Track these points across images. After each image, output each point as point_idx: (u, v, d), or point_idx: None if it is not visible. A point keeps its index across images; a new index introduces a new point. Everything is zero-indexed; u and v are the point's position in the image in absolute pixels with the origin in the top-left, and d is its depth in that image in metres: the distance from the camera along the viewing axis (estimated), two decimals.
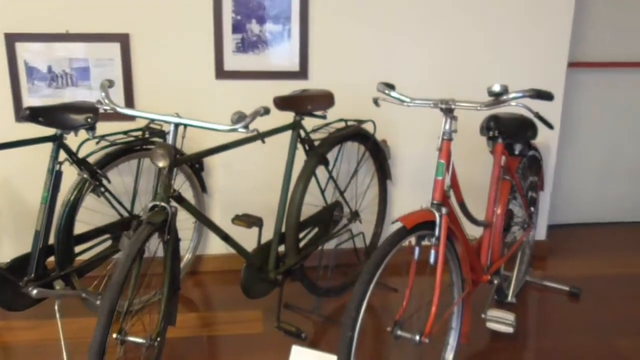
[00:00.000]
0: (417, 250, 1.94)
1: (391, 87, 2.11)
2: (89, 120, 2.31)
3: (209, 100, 2.92)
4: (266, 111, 1.91)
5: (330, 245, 2.81)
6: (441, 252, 1.93)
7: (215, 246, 3.14)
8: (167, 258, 1.95)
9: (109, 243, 2.65)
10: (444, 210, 1.95)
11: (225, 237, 2.21)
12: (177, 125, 1.90)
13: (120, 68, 2.83)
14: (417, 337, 1.91)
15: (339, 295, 2.84)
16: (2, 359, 2.36)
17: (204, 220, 2.12)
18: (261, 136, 2.03)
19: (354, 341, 1.74)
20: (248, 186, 3.07)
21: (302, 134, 2.48)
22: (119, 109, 1.95)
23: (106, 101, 1.96)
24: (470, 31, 3.00)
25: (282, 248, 2.49)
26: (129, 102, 2.88)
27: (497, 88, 1.88)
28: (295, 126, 2.43)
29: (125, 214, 2.67)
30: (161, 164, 1.81)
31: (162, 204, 1.87)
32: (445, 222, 1.94)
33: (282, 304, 2.60)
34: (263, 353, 2.39)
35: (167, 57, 2.85)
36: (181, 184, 2.82)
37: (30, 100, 2.83)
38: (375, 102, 2.13)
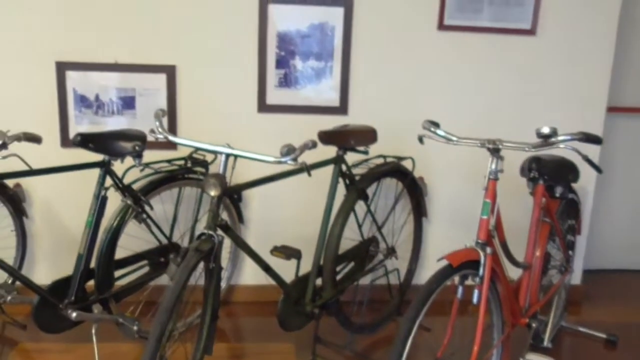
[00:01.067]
0: (460, 289, 1.93)
1: (436, 125, 2.13)
2: (137, 148, 2.36)
3: (250, 132, 2.97)
4: (314, 145, 1.94)
5: (364, 280, 2.80)
6: (485, 291, 1.92)
7: (248, 277, 3.14)
8: (210, 286, 1.96)
9: (146, 269, 2.68)
10: (488, 249, 1.94)
11: (267, 268, 2.22)
12: (228, 155, 1.93)
13: (165, 98, 2.91)
14: None
15: (372, 331, 2.82)
16: None
17: (247, 251, 2.14)
18: (308, 169, 2.05)
19: None
20: (283, 218, 3.09)
21: (344, 168, 2.50)
22: (171, 138, 1.99)
23: (160, 130, 2.01)
24: (509, 74, 3.03)
25: (318, 281, 2.49)
26: (172, 131, 2.94)
27: (546, 130, 1.89)
28: (338, 160, 2.46)
29: (164, 241, 2.70)
30: (213, 192, 1.84)
31: (210, 232, 1.89)
32: (489, 261, 1.93)
33: (315, 338, 2.58)
34: None
35: (211, 89, 2.92)
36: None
37: (77, 127, 2.90)
38: (420, 139, 2.15)
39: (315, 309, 2.43)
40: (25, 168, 2.23)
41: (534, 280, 2.47)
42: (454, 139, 2.06)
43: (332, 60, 2.92)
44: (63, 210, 2.99)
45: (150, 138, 2.34)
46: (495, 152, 1.98)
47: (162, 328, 1.62)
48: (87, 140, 2.28)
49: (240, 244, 2.12)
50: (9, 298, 2.32)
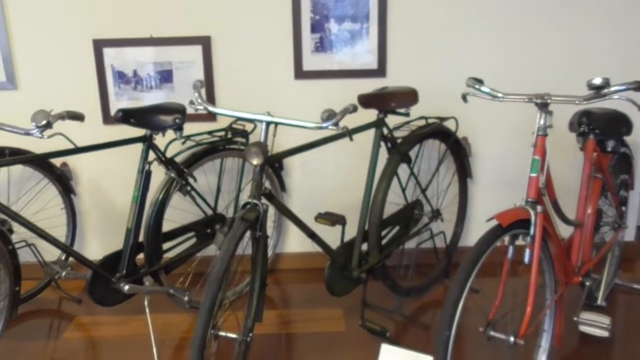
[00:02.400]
0: (511, 249, 1.89)
1: (480, 82, 2.06)
2: (177, 120, 2.37)
3: (287, 99, 2.95)
4: (355, 108, 1.90)
5: (409, 244, 2.77)
6: (536, 251, 1.87)
7: (293, 245, 3.16)
8: (258, 254, 1.97)
9: (193, 241, 2.72)
10: (539, 208, 1.89)
11: (312, 235, 2.22)
12: (268, 123, 1.92)
13: (202, 70, 2.90)
14: (512, 338, 1.86)
15: (420, 295, 2.81)
16: (93, 353, 2.44)
17: (292, 218, 2.13)
18: (349, 133, 2.02)
19: (451, 340, 1.71)
20: (324, 185, 3.08)
21: (385, 131, 2.46)
22: (211, 108, 1.98)
23: (199, 101, 2.00)
24: (554, 23, 2.90)
25: (364, 246, 2.47)
26: (210, 102, 2.94)
27: (597, 81, 1.80)
28: (379, 124, 2.42)
29: (209, 212, 2.72)
30: (255, 161, 1.83)
31: (254, 201, 1.89)
32: (540, 220, 1.88)
33: (363, 302, 2.58)
34: (347, 351, 2.39)
35: (247, 58, 2.90)
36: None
37: (117, 103, 2.93)
38: (464, 97, 2.09)
39: (362, 273, 2.43)
40: (70, 147, 2.26)
41: (586, 238, 2.40)
42: (500, 95, 1.99)
43: (368, 22, 2.85)
44: (109, 186, 3.04)
45: (189, 110, 2.34)
46: (543, 106, 1.91)
47: (213, 297, 1.64)
48: (128, 116, 2.30)
49: (285, 212, 2.11)
50: (63, 274, 2.39)
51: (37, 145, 2.78)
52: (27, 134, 1.96)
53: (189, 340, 2.52)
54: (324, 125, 1.86)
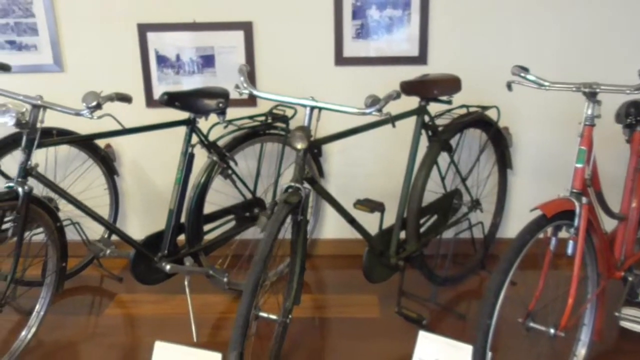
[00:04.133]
0: (553, 240, 1.87)
1: (526, 70, 2.03)
2: (221, 105, 2.39)
3: (328, 85, 2.95)
4: (398, 95, 1.90)
5: (446, 234, 2.76)
6: (580, 243, 1.84)
7: (329, 231, 3.18)
8: (299, 238, 1.99)
9: (232, 224, 2.75)
10: (584, 199, 1.86)
11: (352, 221, 2.23)
12: (312, 108, 1.93)
13: (244, 55, 2.92)
14: (552, 330, 1.85)
15: (456, 284, 2.80)
16: (134, 330, 2.51)
17: (332, 203, 2.15)
18: (392, 120, 2.02)
19: (491, 329, 1.71)
20: (362, 171, 3.08)
21: (427, 119, 2.45)
22: (256, 93, 2.00)
23: (245, 85, 2.02)
24: (601, 9, 2.83)
25: (402, 234, 2.48)
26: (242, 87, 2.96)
27: None
28: (421, 111, 2.41)
29: (248, 196, 2.75)
30: (299, 145, 1.85)
31: (297, 185, 1.91)
32: (585, 212, 1.85)
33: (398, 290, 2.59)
34: (383, 337, 2.40)
35: (287, 44, 2.91)
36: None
37: (160, 87, 2.97)
38: (509, 86, 2.06)
39: (399, 261, 2.43)
40: (114, 129, 2.31)
41: (630, 233, 2.35)
42: (546, 84, 1.96)
43: (409, 8, 2.83)
44: (150, 168, 3.10)
45: (234, 94, 2.36)
46: (591, 96, 1.87)
47: (257, 279, 1.67)
48: (173, 99, 2.33)
49: (326, 196, 2.13)
50: (107, 252, 2.45)
51: (79, 126, 2.84)
52: (78, 114, 2.01)
53: (227, 320, 2.57)
54: (367, 111, 1.87)
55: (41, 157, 2.89)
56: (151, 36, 2.92)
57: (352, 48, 2.90)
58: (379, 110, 1.86)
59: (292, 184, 1.91)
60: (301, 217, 1.94)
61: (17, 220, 2.09)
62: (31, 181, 2.11)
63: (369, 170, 3.08)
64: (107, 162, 2.91)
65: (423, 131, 2.46)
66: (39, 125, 2.09)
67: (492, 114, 2.71)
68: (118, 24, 2.90)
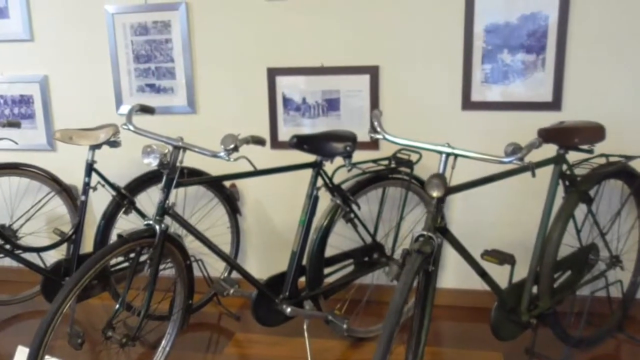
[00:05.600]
0: None
1: None
2: (348, 148, 2.39)
3: (454, 131, 2.88)
4: (540, 143, 1.80)
5: (581, 291, 2.56)
6: None
7: (449, 280, 3.05)
8: (429, 288, 1.90)
9: (351, 268, 2.72)
10: None
11: (483, 274, 2.12)
12: (448, 155, 1.87)
13: (368, 98, 2.93)
14: None
15: (591, 347, 2.57)
16: None
17: (464, 254, 2.05)
18: (533, 169, 1.91)
19: None
20: (487, 220, 2.95)
21: (564, 168, 2.30)
22: (389, 137, 1.98)
23: (379, 129, 2.01)
24: None
25: (534, 289, 2.32)
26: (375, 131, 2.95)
27: None
28: (559, 160, 2.27)
29: (368, 240, 2.71)
30: (435, 193, 1.79)
31: (430, 234, 1.84)
32: None
33: (526, 349, 2.42)
34: None
35: (413, 88, 2.88)
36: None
37: (285, 129, 3.04)
38: None
39: (531, 318, 2.27)
40: (240, 169, 2.37)
41: None
42: None
43: (544, 52, 2.72)
44: (272, 208, 3.15)
45: (365, 138, 2.36)
46: None
47: (392, 330, 1.61)
48: (302, 142, 2.37)
49: (458, 247, 2.04)
50: (231, 291, 2.48)
51: (205, 164, 2.94)
52: (215, 156, 2.08)
53: None
54: (508, 159, 1.78)
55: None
56: (280, 79, 3.01)
57: (480, 92, 2.82)
58: (521, 159, 1.77)
59: (425, 232, 1.84)
60: (432, 268, 1.86)
61: (152, 257, 2.17)
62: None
63: (494, 219, 2.94)
64: (231, 201, 2.99)
65: (560, 181, 2.32)
66: (178, 165, 2.19)
67: (637, 165, 2.50)
68: (249, 69, 3.02)
